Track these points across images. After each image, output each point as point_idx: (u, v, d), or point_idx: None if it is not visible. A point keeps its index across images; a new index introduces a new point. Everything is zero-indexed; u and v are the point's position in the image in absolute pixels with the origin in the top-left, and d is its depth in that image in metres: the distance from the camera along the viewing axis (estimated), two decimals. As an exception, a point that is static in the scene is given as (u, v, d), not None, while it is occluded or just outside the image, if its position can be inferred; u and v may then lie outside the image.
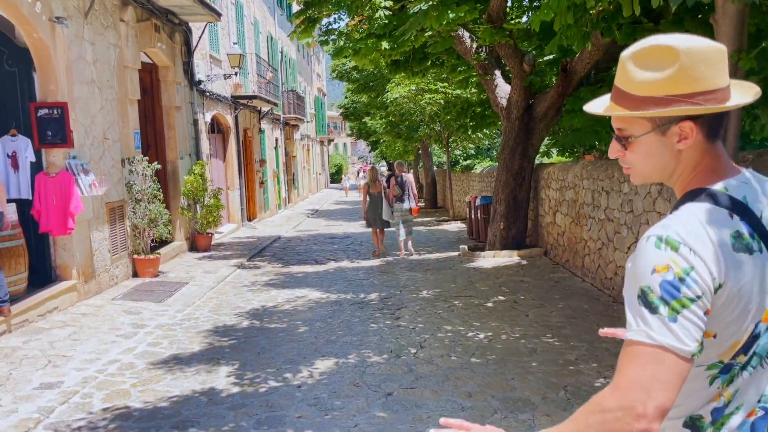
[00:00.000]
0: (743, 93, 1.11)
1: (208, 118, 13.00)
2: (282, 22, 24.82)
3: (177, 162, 10.89)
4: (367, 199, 10.58)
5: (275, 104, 17.84)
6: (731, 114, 1.35)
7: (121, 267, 8.23)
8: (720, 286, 0.99)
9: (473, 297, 7.10)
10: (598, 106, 1.19)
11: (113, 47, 8.26)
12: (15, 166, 6.64)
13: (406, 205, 10.36)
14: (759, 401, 1.09)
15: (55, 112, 6.58)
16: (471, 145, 17.39)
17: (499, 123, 11.60)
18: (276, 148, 22.03)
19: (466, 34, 9.64)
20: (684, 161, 1.11)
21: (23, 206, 6.67)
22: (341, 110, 36.17)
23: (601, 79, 9.09)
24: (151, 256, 8.56)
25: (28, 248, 6.56)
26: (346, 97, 34.30)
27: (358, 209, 22.47)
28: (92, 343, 5.56)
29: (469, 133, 12.54)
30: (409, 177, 10.57)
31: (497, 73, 9.99)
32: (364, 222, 10.93)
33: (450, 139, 16.33)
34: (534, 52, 9.48)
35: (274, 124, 21.61)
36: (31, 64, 6.62)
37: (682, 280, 0.97)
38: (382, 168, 36.72)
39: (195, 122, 11.96)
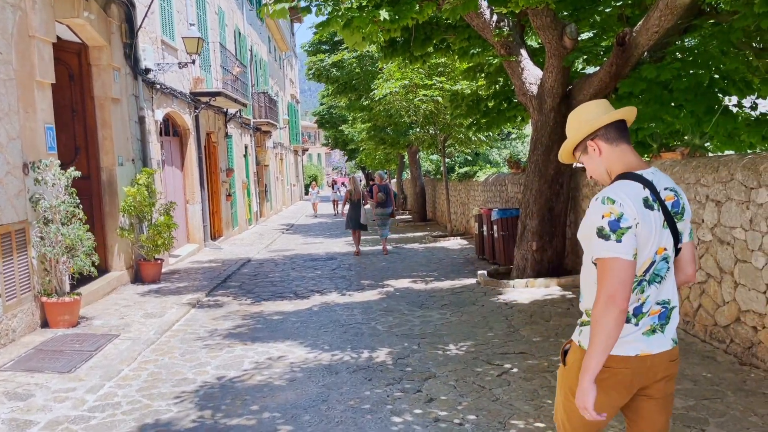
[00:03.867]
0: (624, 113, 1.98)
1: (160, 116, 10.65)
2: (251, 18, 22.55)
3: (114, 169, 8.51)
4: (347, 204, 12.14)
5: (244, 105, 15.54)
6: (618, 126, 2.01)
7: (22, 316, 5.83)
8: (637, 224, 1.79)
9: (528, 354, 4.93)
10: (566, 150, 2.09)
11: (10, 8, 5.92)
12: None
13: (387, 210, 11.99)
14: (659, 303, 1.88)
15: None
16: (468, 150, 15.33)
17: (518, 120, 9.53)
18: (246, 155, 19.66)
19: (484, 3, 7.57)
20: (607, 162, 1.95)
21: None
22: (316, 118, 34.05)
23: (664, 53, 7.10)
24: (68, 299, 6.17)
25: None
26: (321, 104, 32.21)
27: (339, 223, 20.20)
28: None
29: (480, 132, 10.47)
30: (390, 185, 12.42)
31: (523, 53, 7.92)
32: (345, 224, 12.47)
33: (446, 143, 14.23)
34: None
35: (243, 129, 19.26)
36: None
37: (619, 219, 1.77)
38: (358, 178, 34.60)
39: (141, 120, 9.59)
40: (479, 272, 8.38)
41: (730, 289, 4.62)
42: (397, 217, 22.63)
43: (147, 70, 9.81)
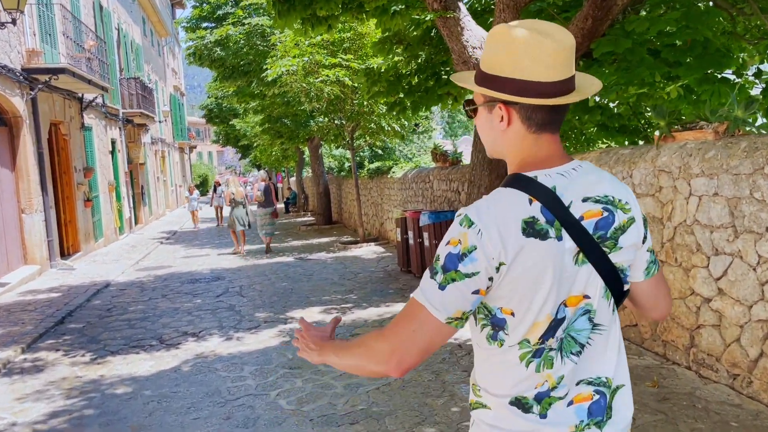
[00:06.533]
0: (584, 88, 1.17)
1: (-34, 95, 7.71)
2: (119, -8, 19.21)
3: None
4: (231, 205, 11.90)
5: (104, 89, 12.57)
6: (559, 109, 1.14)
7: None
8: (501, 264, 1.07)
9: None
10: (462, 78, 1.26)
11: None
12: None
13: (268, 209, 11.80)
14: (589, 383, 1.15)
15: None
16: (379, 143, 13.45)
17: (450, 101, 7.70)
18: (113, 152, 16.50)
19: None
20: (508, 144, 1.18)
21: None
22: (204, 112, 30.81)
23: (639, 8, 5.53)
24: None
25: None
26: (209, 97, 29.12)
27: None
28: None
29: (404, 116, 8.55)
30: (270, 184, 12.13)
31: (462, 7, 6.07)
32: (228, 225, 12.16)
33: (355, 134, 12.22)
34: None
35: (110, 121, 16.09)
36: None
37: (463, 255, 1.08)
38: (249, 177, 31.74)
39: (-74, 98, 6.69)
40: (412, 297, 6.44)
41: (832, 336, 2.99)
42: (299, 219, 20.36)
43: (-63, 28, 6.91)
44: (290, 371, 4.62)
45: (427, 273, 1.13)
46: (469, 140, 33.97)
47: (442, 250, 1.12)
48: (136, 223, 19.02)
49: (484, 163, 5.85)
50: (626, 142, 6.48)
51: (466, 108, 1.26)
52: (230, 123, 27.51)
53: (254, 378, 4.53)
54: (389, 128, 11.58)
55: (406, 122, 11.84)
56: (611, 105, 6.59)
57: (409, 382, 4.20)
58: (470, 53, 5.91)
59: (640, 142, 6.41)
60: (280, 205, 28.21)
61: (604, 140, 6.75)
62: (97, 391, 4.48)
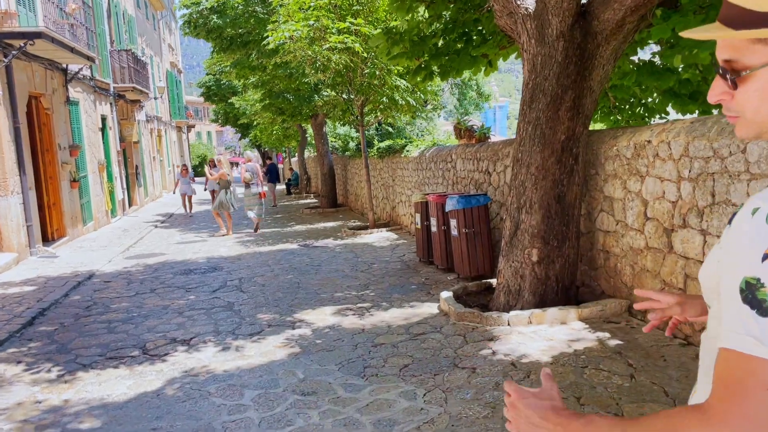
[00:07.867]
0: None
1: None
2: (109, -42, 17.94)
3: None
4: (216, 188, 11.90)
5: (89, 59, 11.46)
6: None
7: None
8: None
9: None
10: (701, 31, 0.87)
11: None
12: None
13: (254, 190, 11.92)
14: None
15: None
16: (390, 120, 12.39)
17: (483, 66, 6.63)
18: (104, 129, 15.42)
19: None
20: None
21: None
22: (202, 90, 29.62)
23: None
24: None
25: None
26: (208, 74, 27.96)
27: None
28: None
29: (429, 82, 7.48)
30: (256, 166, 12.19)
31: (507, -52, 5.00)
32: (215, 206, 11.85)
33: (365, 108, 11.13)
34: None
35: (99, 96, 14.99)
36: None
37: None
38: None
39: None
40: (443, 295, 5.45)
41: None
42: (302, 201, 19.36)
43: None
44: (302, 399, 3.65)
45: (745, 311, 0.70)
46: (477, 123, 32.76)
47: (761, 270, 0.70)
48: (130, 205, 18.01)
49: (535, 137, 4.82)
50: (697, 112, 5.47)
51: (734, 79, 0.82)
52: (229, 101, 26.43)
53: (257, 408, 3.55)
54: (403, 102, 10.50)
55: (421, 95, 10.78)
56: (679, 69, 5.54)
57: (458, 419, 3.23)
58: (518, 3, 4.85)
59: (714, 111, 5.39)
60: (281, 187, 27.20)
61: (671, 109, 5.70)
62: (57, 425, 3.52)
